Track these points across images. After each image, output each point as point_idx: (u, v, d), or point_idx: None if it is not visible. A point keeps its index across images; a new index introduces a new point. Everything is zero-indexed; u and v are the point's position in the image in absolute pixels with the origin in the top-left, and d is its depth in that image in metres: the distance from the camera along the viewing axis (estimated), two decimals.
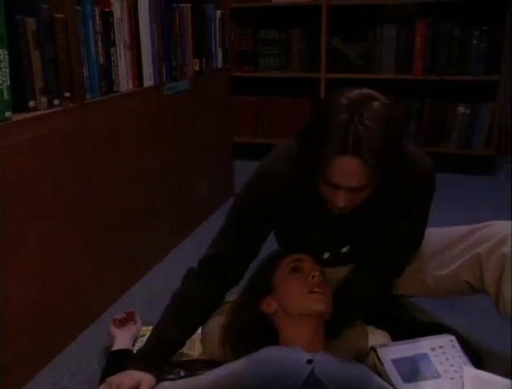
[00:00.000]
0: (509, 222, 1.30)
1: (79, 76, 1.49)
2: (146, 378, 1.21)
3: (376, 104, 1.08)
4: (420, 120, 3.08)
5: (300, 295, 1.23)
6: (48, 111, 1.40)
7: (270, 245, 1.44)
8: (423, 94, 3.07)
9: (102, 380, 1.31)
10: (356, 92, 1.10)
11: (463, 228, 1.38)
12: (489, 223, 1.33)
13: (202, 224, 2.37)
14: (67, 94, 1.45)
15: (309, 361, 1.07)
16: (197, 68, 2.21)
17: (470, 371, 1.22)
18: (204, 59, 2.26)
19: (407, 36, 2.99)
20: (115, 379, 1.19)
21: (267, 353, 1.13)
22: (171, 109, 2.03)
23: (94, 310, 1.66)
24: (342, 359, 1.14)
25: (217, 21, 2.37)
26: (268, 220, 1.33)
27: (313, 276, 1.25)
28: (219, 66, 2.44)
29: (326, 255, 1.42)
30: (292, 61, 3.25)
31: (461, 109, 3.02)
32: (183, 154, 2.16)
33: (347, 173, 1.09)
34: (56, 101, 1.43)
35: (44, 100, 1.39)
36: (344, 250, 1.42)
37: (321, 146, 1.10)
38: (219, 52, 2.43)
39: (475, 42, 2.91)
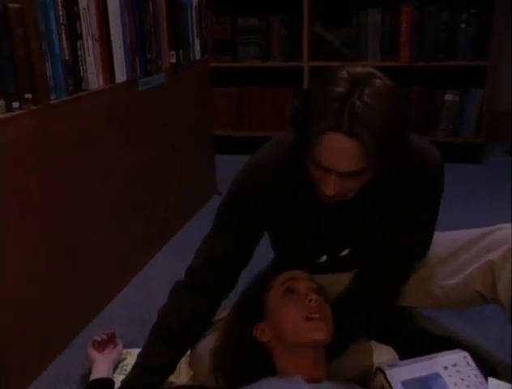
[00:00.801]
0: None
1: (42, 74, 1.33)
2: None
3: (379, 82, 0.96)
4: (407, 107, 2.97)
5: (296, 323, 1.09)
6: (6, 115, 1.25)
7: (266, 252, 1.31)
8: (410, 81, 2.96)
9: None
10: (358, 68, 0.99)
11: (472, 233, 1.27)
12: (500, 226, 1.23)
13: (185, 225, 2.23)
14: (28, 95, 1.29)
15: None
16: (173, 60, 2.06)
17: (495, 384, 1.10)
18: (181, 50, 2.10)
19: (393, 20, 2.87)
20: None
21: (264, 387, 1.01)
22: (146, 105, 1.88)
23: (67, 332, 1.51)
24: (347, 388, 1.02)
25: (193, 9, 2.21)
26: (259, 220, 1.20)
27: (310, 300, 1.10)
28: (197, 57, 2.29)
29: (324, 258, 1.29)
30: (273, 49, 3.11)
31: (449, 96, 2.92)
32: (161, 153, 2.02)
33: (339, 154, 0.96)
34: (15, 104, 1.27)
35: (1, 103, 1.24)
36: (344, 253, 1.29)
37: (312, 119, 0.97)
38: (197, 42, 2.28)
39: (462, 26, 2.81)
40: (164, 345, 1.16)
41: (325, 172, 1.01)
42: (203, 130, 2.44)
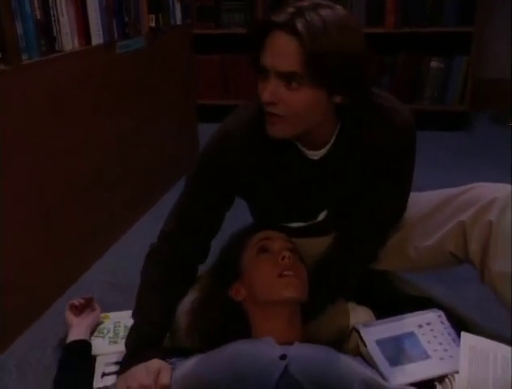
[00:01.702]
0: (493, 184, 1.19)
1: (11, 33, 1.29)
2: (162, 364, 1.05)
3: (341, 9, 0.98)
4: (392, 75, 2.95)
5: (269, 280, 1.08)
6: None
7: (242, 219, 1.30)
8: (395, 48, 2.93)
9: (58, 377, 1.18)
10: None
11: (445, 193, 1.26)
12: (472, 186, 1.22)
13: (166, 194, 2.21)
14: None
15: (282, 357, 0.95)
16: (152, 24, 2.01)
17: (467, 338, 1.10)
18: (160, 14, 2.05)
19: None
20: (132, 381, 1.01)
21: (235, 349, 1.00)
22: (124, 69, 1.84)
23: (46, 297, 1.50)
24: (319, 350, 1.02)
25: None
26: (227, 187, 1.19)
27: (283, 257, 1.09)
28: (178, 22, 2.24)
29: (301, 224, 1.28)
30: (258, 16, 3.05)
31: (435, 63, 2.90)
32: (140, 119, 1.98)
33: (278, 50, 0.98)
34: None
35: None
36: (321, 217, 1.28)
37: (261, 24, 1.00)
38: (178, 6, 2.22)
39: None
40: (151, 301, 1.16)
41: (263, 78, 1.01)
42: (185, 97, 2.40)
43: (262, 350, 0.98)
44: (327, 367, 0.96)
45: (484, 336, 1.12)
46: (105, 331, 1.35)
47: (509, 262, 1.09)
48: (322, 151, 1.15)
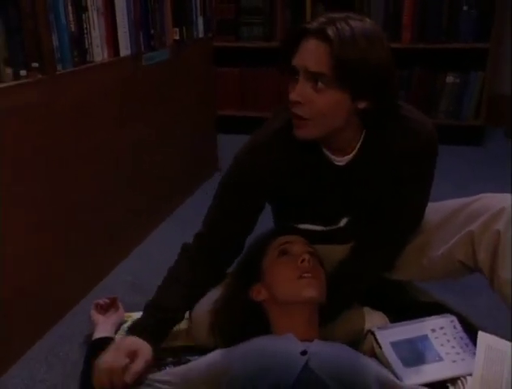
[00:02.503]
0: (501, 195, 1.23)
1: (48, 45, 1.37)
2: (143, 346, 1.12)
3: (371, 23, 1.07)
4: (408, 89, 2.99)
5: (289, 281, 1.13)
6: (13, 83, 1.28)
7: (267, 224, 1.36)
8: (411, 63, 2.98)
9: (85, 371, 1.23)
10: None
11: (455, 203, 1.30)
12: (480, 196, 1.26)
13: (185, 201, 2.27)
14: (35, 64, 1.33)
15: (303, 353, 1.00)
16: (177, 37, 2.08)
17: (485, 337, 1.13)
18: (184, 28, 2.13)
19: (396, 2, 2.88)
20: (102, 364, 1.07)
21: (258, 344, 1.06)
22: (150, 80, 1.91)
23: (72, 297, 1.57)
24: (338, 348, 1.07)
25: None
26: (259, 194, 1.26)
27: (303, 260, 1.15)
28: (201, 35, 2.31)
29: (322, 228, 1.34)
30: (277, 30, 3.12)
31: (450, 78, 2.93)
32: (163, 128, 2.05)
33: (308, 52, 1.05)
34: (23, 72, 1.31)
35: (8, 71, 1.27)
36: (342, 223, 1.33)
37: (294, 32, 1.08)
38: (200, 20, 2.30)
39: (465, 8, 2.81)
40: (175, 292, 1.23)
41: (295, 81, 1.08)
42: (206, 107, 2.47)
43: (285, 345, 1.03)
44: (346, 364, 1.01)
45: None
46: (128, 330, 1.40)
47: None
48: (348, 158, 1.20)
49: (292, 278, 1.13)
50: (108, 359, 1.08)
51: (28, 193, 1.36)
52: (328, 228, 1.33)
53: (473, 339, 1.21)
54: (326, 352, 1.02)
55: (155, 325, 1.18)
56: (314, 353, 1.00)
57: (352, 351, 1.08)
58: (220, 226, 1.28)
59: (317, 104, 1.07)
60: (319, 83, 1.05)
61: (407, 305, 1.45)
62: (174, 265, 1.29)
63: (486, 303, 1.47)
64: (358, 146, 1.19)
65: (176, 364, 1.24)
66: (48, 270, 1.46)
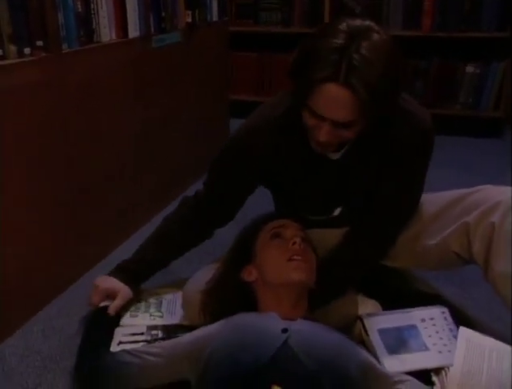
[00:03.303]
0: (501, 187, 1.21)
1: (54, 24, 1.39)
2: (123, 288, 1.33)
3: (376, 36, 1.01)
4: (426, 79, 2.95)
5: (279, 263, 1.15)
6: (17, 60, 1.31)
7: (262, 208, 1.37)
8: (431, 52, 2.93)
9: (84, 335, 1.27)
10: (358, 21, 1.03)
11: (454, 194, 1.29)
12: (480, 188, 1.25)
13: (194, 184, 2.28)
14: (40, 42, 1.35)
15: (284, 330, 1.02)
16: (189, 20, 2.09)
17: (465, 332, 1.14)
18: (197, 10, 2.13)
19: None
20: (95, 281, 1.33)
21: (240, 319, 1.09)
22: (159, 62, 1.92)
23: (74, 271, 1.60)
24: (321, 329, 1.08)
25: None
26: (250, 173, 1.29)
27: (294, 243, 1.16)
28: (215, 18, 2.31)
29: (317, 218, 1.34)
30: (295, 15, 3.10)
31: (470, 69, 2.87)
32: (174, 111, 2.06)
33: (334, 103, 1.02)
34: (27, 50, 1.33)
35: (12, 48, 1.29)
36: (336, 212, 1.34)
37: (311, 69, 1.02)
38: (215, 3, 2.30)
39: None
40: (160, 245, 1.38)
41: (317, 119, 1.06)
42: (219, 91, 2.47)
43: (266, 322, 1.05)
44: (327, 344, 1.02)
45: (490, 336, 1.14)
46: (128, 306, 1.43)
47: (510, 262, 1.12)
48: (341, 153, 1.21)
49: (282, 260, 1.15)
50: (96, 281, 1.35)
51: (30, 170, 1.39)
52: (322, 217, 1.34)
53: None
54: (307, 332, 1.04)
55: (136, 272, 1.36)
56: (295, 331, 1.02)
57: (336, 333, 1.08)
58: (214, 191, 1.34)
59: (347, 136, 1.09)
60: (352, 126, 1.06)
61: (402, 294, 1.45)
62: (168, 217, 1.40)
63: (485, 295, 1.45)
64: (351, 142, 1.19)
65: (165, 339, 1.26)
66: (51, 244, 1.50)
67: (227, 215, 1.38)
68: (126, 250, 1.76)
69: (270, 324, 1.05)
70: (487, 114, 2.91)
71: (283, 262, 1.14)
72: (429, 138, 1.20)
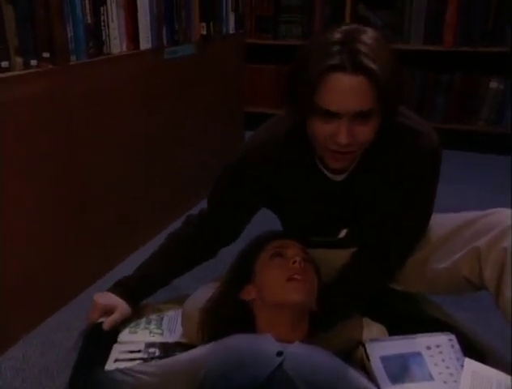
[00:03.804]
0: None
1: (61, 36, 1.39)
2: (122, 304, 1.31)
3: (372, 31, 1.00)
4: (448, 94, 2.88)
5: (277, 282, 1.11)
6: (23, 72, 1.31)
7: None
8: (453, 67, 2.86)
9: (77, 361, 1.25)
10: (348, 25, 1.02)
11: (466, 216, 1.24)
12: (494, 211, 1.19)
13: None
14: (46, 54, 1.35)
15: (279, 354, 0.98)
16: (204, 32, 2.08)
17: (471, 365, 1.09)
18: (212, 23, 2.12)
19: (439, 3, 2.77)
20: (94, 297, 1.32)
21: (235, 341, 1.05)
22: (172, 74, 1.91)
23: (77, 285, 1.59)
24: (318, 353, 1.03)
25: None
26: (251, 194, 1.25)
27: (294, 261, 1.12)
28: (231, 31, 2.30)
29: (322, 239, 1.31)
30: (315, 29, 3.07)
31: (494, 84, 2.80)
32: (186, 124, 2.05)
33: (346, 92, 0.96)
34: (33, 62, 1.33)
35: (19, 60, 1.29)
36: (342, 235, 1.30)
37: (313, 65, 0.97)
38: (231, 16, 2.29)
39: None
40: (163, 261, 1.35)
41: (335, 121, 1.00)
42: (234, 104, 2.45)
43: (261, 344, 1.02)
44: (324, 370, 0.98)
45: (501, 365, 1.09)
46: (128, 322, 1.41)
47: None
48: (344, 175, 1.17)
49: (281, 279, 1.11)
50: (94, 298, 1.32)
51: (39, 181, 1.39)
52: (328, 239, 1.30)
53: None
54: (303, 356, 1.00)
55: (136, 288, 1.34)
56: (291, 355, 0.98)
57: (335, 359, 1.04)
58: (217, 210, 1.31)
59: (366, 135, 1.03)
60: (370, 118, 1.01)
61: (411, 318, 1.40)
62: (172, 235, 1.38)
63: (500, 321, 1.39)
64: (355, 163, 1.15)
65: (162, 358, 1.23)
66: (54, 256, 1.49)
67: (230, 235, 1.34)
68: (131, 264, 1.74)
69: (265, 346, 1.01)
70: (509, 131, 2.82)
71: (281, 282, 1.10)
72: (435, 157, 1.15)
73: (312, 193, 1.21)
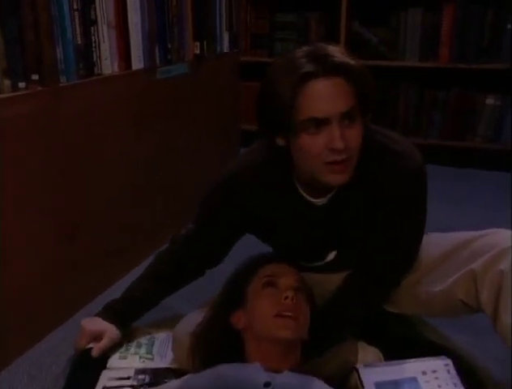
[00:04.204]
0: (508, 231, 1.14)
1: (50, 57, 1.38)
2: (111, 329, 1.29)
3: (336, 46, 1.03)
4: (444, 111, 2.87)
5: (266, 317, 1.07)
6: (11, 94, 1.29)
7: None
8: (449, 83, 2.86)
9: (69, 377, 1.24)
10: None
11: (460, 237, 1.22)
12: (490, 231, 1.17)
13: None
14: (35, 76, 1.34)
15: (267, 384, 0.95)
16: (197, 51, 2.07)
17: None
18: (205, 42, 2.11)
19: (434, 20, 2.77)
20: (82, 323, 1.30)
21: (222, 371, 1.02)
22: (165, 94, 1.90)
23: (67, 308, 1.56)
24: (307, 382, 1.00)
25: (222, 1, 2.22)
26: (235, 221, 1.24)
27: (286, 297, 1.08)
28: (225, 50, 2.30)
29: (309, 265, 1.29)
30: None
31: (490, 101, 2.79)
32: (180, 143, 2.03)
33: (329, 95, 0.97)
34: (21, 84, 1.32)
35: (7, 82, 1.28)
36: (329, 258, 1.27)
37: (283, 83, 0.98)
38: (226, 35, 2.29)
39: (509, 26, 2.66)
40: (151, 283, 1.34)
41: (324, 129, 0.99)
42: (229, 123, 2.44)
43: (248, 375, 0.99)
44: None
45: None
46: (118, 346, 1.38)
47: None
48: (326, 199, 1.15)
49: (270, 315, 1.07)
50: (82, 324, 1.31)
51: (30, 204, 1.37)
52: (316, 263, 1.28)
53: (470, 386, 1.12)
54: (291, 386, 0.97)
55: (125, 311, 1.32)
56: (279, 385, 0.95)
57: (326, 387, 1.01)
58: (201, 231, 1.30)
59: (355, 139, 1.02)
60: (355, 118, 1.01)
61: (407, 341, 1.37)
62: (159, 255, 1.37)
63: (499, 344, 1.35)
64: (336, 187, 1.13)
65: (152, 385, 1.21)
66: (44, 279, 1.46)
67: (216, 256, 1.33)
68: (123, 287, 1.72)
69: (252, 377, 0.98)
70: (507, 147, 2.81)
71: (270, 318, 1.07)
72: (419, 177, 1.13)
73: (294, 218, 1.19)
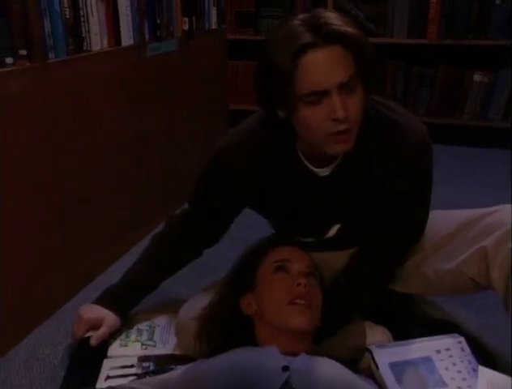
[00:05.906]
0: None
1: (38, 32, 1.30)
2: (109, 316, 1.25)
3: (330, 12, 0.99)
4: (432, 88, 2.85)
5: (279, 304, 1.04)
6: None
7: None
8: (437, 60, 2.84)
9: (65, 378, 1.18)
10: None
11: (469, 214, 1.19)
12: (498, 208, 1.15)
13: None
14: (23, 52, 1.26)
15: (285, 368, 0.92)
16: (186, 27, 2.00)
17: (485, 373, 1.04)
18: (194, 18, 2.04)
19: None
20: (79, 311, 1.26)
21: (239, 356, 0.98)
22: (154, 71, 1.83)
23: (60, 296, 1.50)
24: (325, 364, 0.97)
25: None
26: (233, 195, 1.20)
27: (299, 284, 1.04)
28: (213, 26, 2.23)
29: (311, 240, 1.24)
30: None
31: (478, 77, 2.78)
32: (170, 120, 1.97)
33: (328, 66, 0.95)
34: (9, 60, 1.24)
35: None
36: (331, 233, 1.23)
37: (282, 55, 0.95)
38: (213, 11, 2.21)
39: (497, 2, 2.64)
40: (149, 266, 1.29)
41: (324, 100, 0.96)
42: (218, 101, 2.38)
43: (266, 360, 0.96)
44: (332, 383, 0.92)
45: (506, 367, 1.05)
46: (118, 333, 1.33)
47: None
48: (328, 169, 1.11)
49: (283, 301, 1.04)
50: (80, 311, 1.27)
51: (14, 187, 1.30)
52: (316, 238, 1.24)
53: (483, 363, 1.11)
54: (309, 369, 0.94)
55: (122, 296, 1.28)
56: (297, 370, 0.92)
57: (343, 369, 0.98)
58: (198, 209, 1.26)
59: (356, 108, 0.99)
60: (355, 87, 0.98)
61: (414, 321, 1.36)
62: (155, 237, 1.34)
63: (504, 323, 1.35)
64: (340, 157, 1.09)
65: (157, 373, 1.16)
66: (36, 267, 1.40)
67: (213, 235, 1.30)
68: (116, 271, 1.66)
69: (270, 362, 0.94)
70: (495, 124, 2.81)
71: (283, 305, 1.04)
72: (423, 150, 1.10)
73: (297, 189, 1.15)
